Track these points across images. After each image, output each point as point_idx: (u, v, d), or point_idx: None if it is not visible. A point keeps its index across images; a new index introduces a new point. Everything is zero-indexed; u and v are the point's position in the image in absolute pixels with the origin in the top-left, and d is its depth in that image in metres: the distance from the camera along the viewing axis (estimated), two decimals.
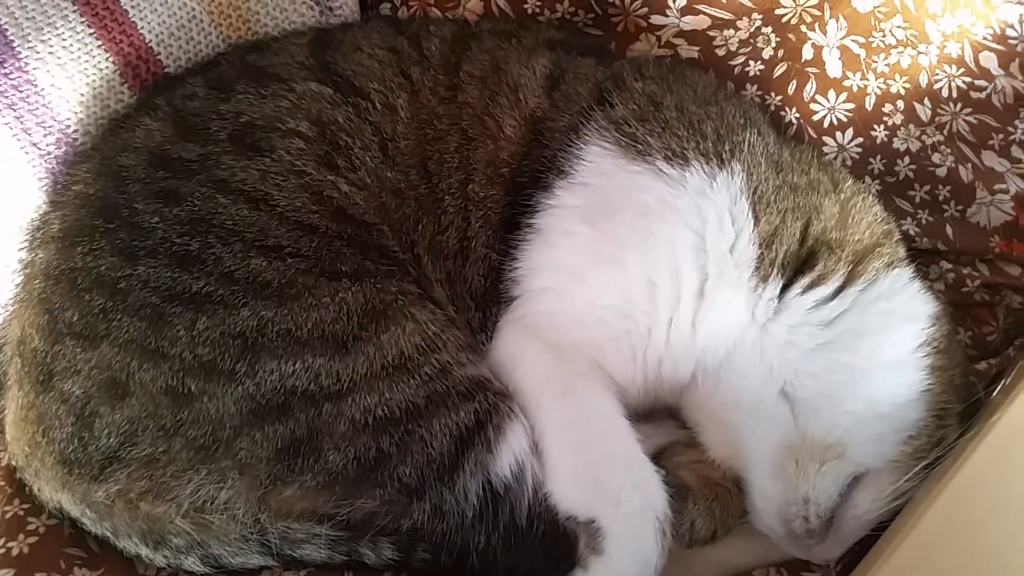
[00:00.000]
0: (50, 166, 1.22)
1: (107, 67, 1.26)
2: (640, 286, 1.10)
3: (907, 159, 1.37)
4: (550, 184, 1.15)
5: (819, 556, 1.08)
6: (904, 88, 1.35)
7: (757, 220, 1.11)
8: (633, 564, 1.02)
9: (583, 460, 1.06)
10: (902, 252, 1.19)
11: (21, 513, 1.08)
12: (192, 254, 1.04)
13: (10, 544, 1.04)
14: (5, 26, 1.20)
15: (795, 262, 1.12)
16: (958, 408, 1.10)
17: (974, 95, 1.34)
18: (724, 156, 1.13)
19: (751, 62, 1.38)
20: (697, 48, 1.39)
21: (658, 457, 1.14)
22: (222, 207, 1.07)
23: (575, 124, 1.17)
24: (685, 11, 1.36)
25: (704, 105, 1.19)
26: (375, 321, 1.04)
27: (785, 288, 1.11)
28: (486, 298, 1.16)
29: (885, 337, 1.09)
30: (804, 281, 1.11)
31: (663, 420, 1.21)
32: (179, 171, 1.10)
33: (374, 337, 1.03)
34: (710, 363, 1.12)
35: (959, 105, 1.34)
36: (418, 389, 1.02)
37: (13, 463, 1.10)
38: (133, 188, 1.09)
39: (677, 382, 1.15)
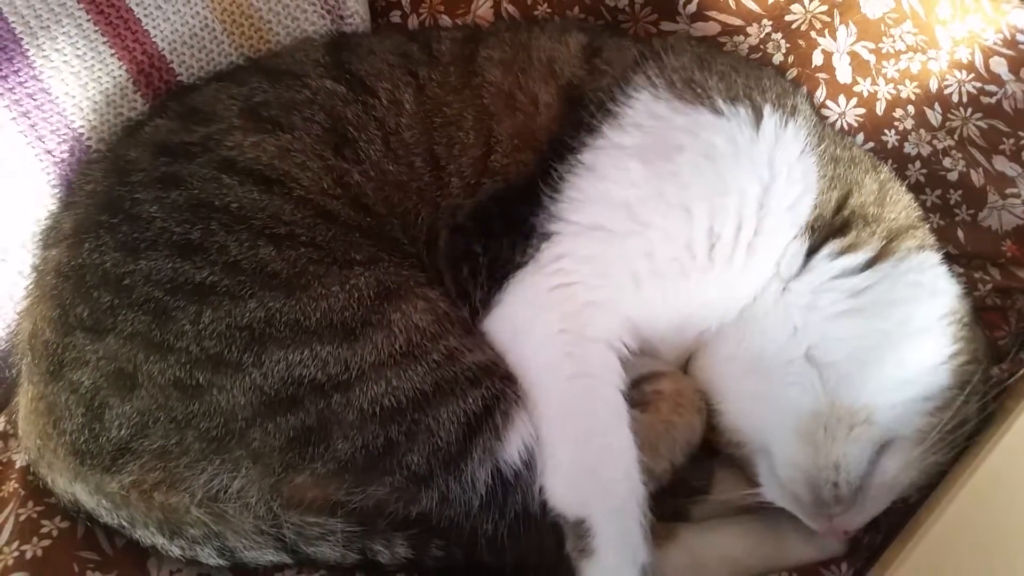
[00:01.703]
0: (64, 173, 1.24)
1: (120, 75, 1.27)
2: (703, 236, 1.09)
3: (918, 164, 1.37)
4: (597, 126, 1.14)
5: (841, 525, 1.07)
6: (914, 93, 1.35)
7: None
8: (624, 557, 1.01)
9: (582, 457, 1.05)
10: (932, 239, 1.21)
11: (35, 516, 1.08)
12: (194, 243, 1.04)
13: (24, 547, 1.04)
14: (20, 35, 1.21)
15: (825, 228, 1.12)
16: (980, 384, 1.10)
17: (984, 100, 1.34)
18: (787, 109, 1.14)
19: None
20: None
21: (637, 384, 1.13)
22: (227, 188, 1.07)
23: (624, 75, 1.17)
24: (695, 17, 1.36)
25: (756, 68, 1.21)
26: (387, 300, 1.04)
27: (813, 251, 1.12)
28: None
29: (914, 306, 1.10)
30: (834, 246, 1.12)
31: None
32: (180, 155, 1.10)
33: (385, 319, 1.03)
34: (736, 321, 1.13)
35: (970, 110, 1.34)
36: (426, 376, 1.02)
37: (27, 456, 1.11)
38: (135, 179, 1.10)
39: (701, 337, 1.15)
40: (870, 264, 1.12)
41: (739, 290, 1.12)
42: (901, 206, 1.18)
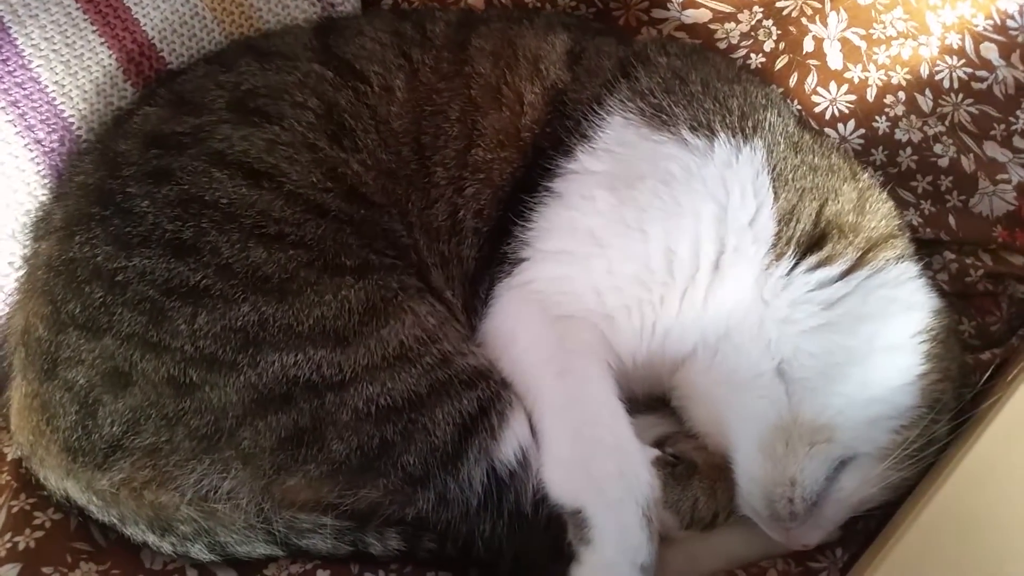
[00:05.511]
0: (54, 163, 1.23)
1: (110, 64, 1.26)
2: (660, 255, 1.10)
3: (909, 150, 1.37)
4: (572, 149, 1.15)
5: (797, 540, 1.07)
6: (905, 79, 1.35)
7: (776, 196, 1.11)
8: (622, 553, 1.02)
9: (575, 448, 1.06)
10: (912, 249, 1.20)
11: (28, 508, 1.08)
12: (187, 243, 1.03)
13: (17, 539, 1.04)
14: (8, 23, 1.20)
15: (808, 241, 1.12)
16: (952, 402, 1.09)
17: (975, 86, 1.34)
18: (748, 132, 1.13)
19: (752, 55, 1.38)
20: (698, 42, 1.39)
21: (660, 444, 1.15)
22: (217, 183, 1.06)
23: (599, 94, 1.18)
24: (686, 5, 1.37)
25: (728, 83, 1.20)
26: (375, 318, 1.04)
27: (794, 266, 1.11)
28: (480, 271, 1.16)
29: (886, 322, 1.09)
30: (812, 260, 1.11)
31: (664, 411, 1.21)
32: (171, 147, 1.10)
33: (375, 332, 1.03)
34: (711, 336, 1.13)
35: (960, 96, 1.35)
36: (420, 378, 1.03)
37: (19, 452, 1.11)
38: (126, 172, 1.09)
39: (678, 354, 1.15)
40: (845, 275, 1.11)
41: (713, 309, 1.11)
42: (881, 215, 1.17)
